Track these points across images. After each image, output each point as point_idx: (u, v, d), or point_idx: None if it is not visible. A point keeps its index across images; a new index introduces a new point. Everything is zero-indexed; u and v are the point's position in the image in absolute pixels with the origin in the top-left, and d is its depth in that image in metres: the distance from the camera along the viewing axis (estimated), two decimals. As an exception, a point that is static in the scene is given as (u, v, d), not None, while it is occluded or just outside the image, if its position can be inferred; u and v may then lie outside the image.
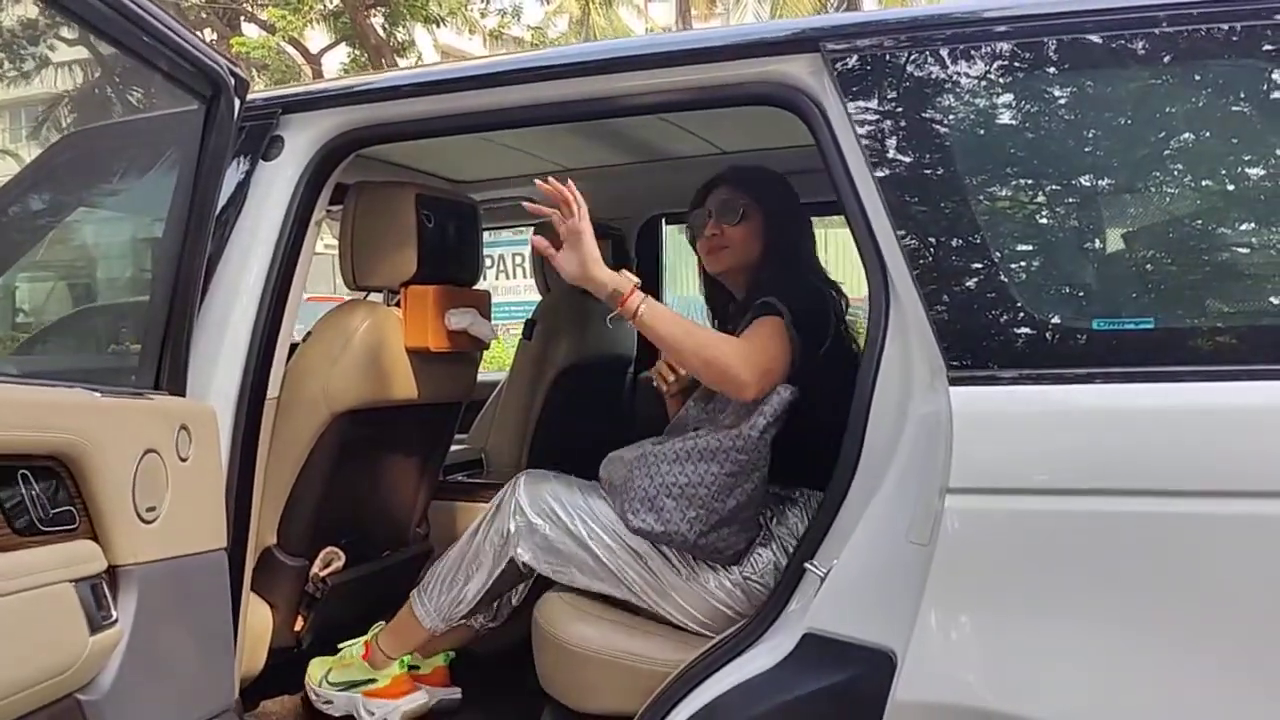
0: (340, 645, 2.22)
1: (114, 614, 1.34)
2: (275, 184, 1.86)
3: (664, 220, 3.17)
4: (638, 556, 1.88)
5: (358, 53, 15.58)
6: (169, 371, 1.59)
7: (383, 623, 2.22)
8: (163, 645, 1.42)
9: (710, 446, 1.80)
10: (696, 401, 2.04)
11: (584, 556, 1.92)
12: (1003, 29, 1.44)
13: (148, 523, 1.41)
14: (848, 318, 2.03)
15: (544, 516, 1.96)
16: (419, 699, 2.17)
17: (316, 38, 16.28)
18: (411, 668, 2.24)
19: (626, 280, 1.75)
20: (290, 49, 15.69)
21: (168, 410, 1.53)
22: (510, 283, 12.75)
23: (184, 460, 1.51)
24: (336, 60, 16.40)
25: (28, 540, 1.23)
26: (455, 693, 2.27)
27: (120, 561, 1.36)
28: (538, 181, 1.72)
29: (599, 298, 1.77)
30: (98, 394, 1.41)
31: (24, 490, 1.22)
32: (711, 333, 1.84)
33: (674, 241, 3.36)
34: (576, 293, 2.04)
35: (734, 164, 2.21)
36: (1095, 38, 1.40)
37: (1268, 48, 1.35)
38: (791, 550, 1.81)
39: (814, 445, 1.90)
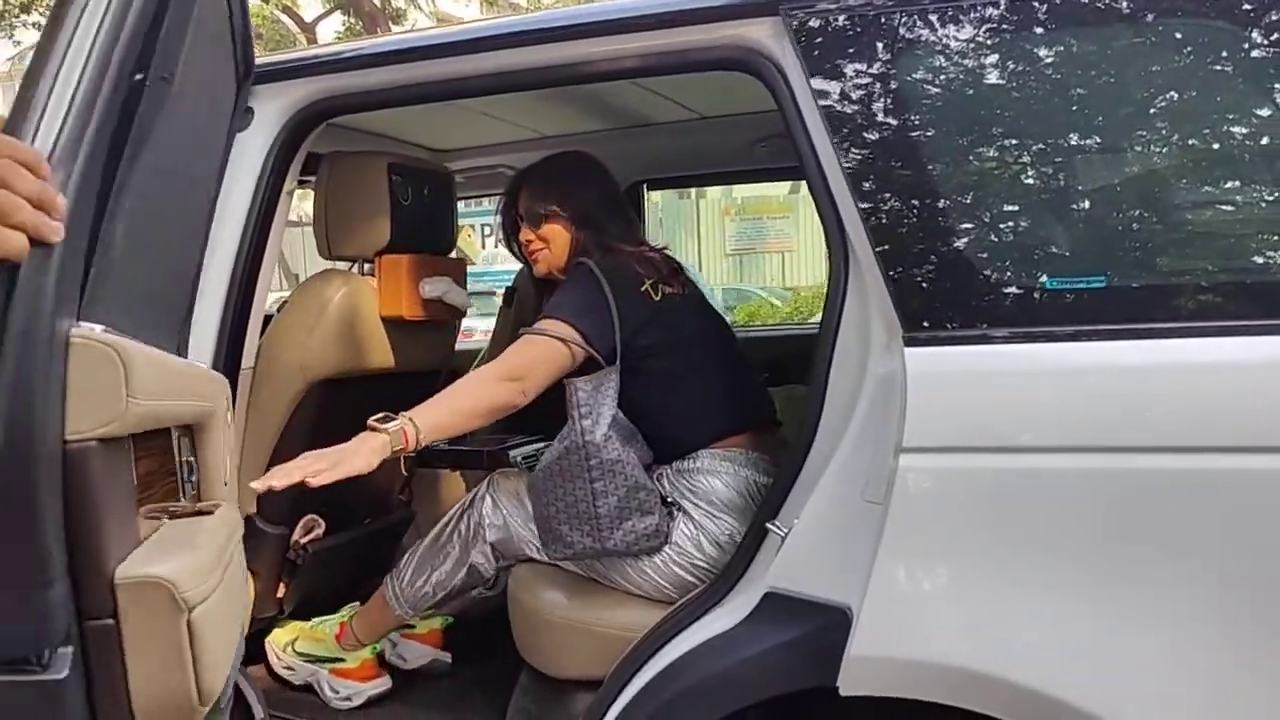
0: (315, 620, 2.26)
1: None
2: (245, 154, 1.86)
3: (645, 186, 3.17)
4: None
5: (352, 21, 15.49)
6: (183, 344, 1.64)
7: (357, 604, 2.25)
8: None
9: (563, 467, 1.85)
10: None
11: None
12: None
13: (226, 485, 1.48)
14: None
15: (517, 504, 2.02)
16: (383, 685, 2.22)
17: (311, 5, 16.18)
18: (407, 626, 2.28)
19: (388, 432, 1.79)
20: (284, 17, 15.60)
21: (223, 380, 1.61)
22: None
23: (228, 427, 1.57)
24: (331, 29, 16.31)
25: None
26: (446, 656, 2.31)
27: None
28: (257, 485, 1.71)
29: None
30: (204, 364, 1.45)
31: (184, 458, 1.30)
32: (467, 387, 1.90)
33: (667, 206, 3.36)
34: None
35: (522, 170, 2.26)
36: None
37: (1247, 7, 1.34)
38: (709, 514, 1.87)
39: (690, 406, 1.98)
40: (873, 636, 1.34)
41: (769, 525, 1.53)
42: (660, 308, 2.01)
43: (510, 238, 2.23)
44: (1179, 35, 1.39)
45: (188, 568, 1.06)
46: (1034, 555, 1.30)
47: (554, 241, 2.10)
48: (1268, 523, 1.23)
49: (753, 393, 2.14)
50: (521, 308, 2.96)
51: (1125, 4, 1.37)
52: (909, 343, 1.37)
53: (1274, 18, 1.31)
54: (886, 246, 1.42)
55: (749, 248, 14.76)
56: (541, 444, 2.75)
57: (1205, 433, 1.25)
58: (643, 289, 2.00)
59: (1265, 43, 1.33)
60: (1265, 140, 1.37)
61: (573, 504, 1.83)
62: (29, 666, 0.91)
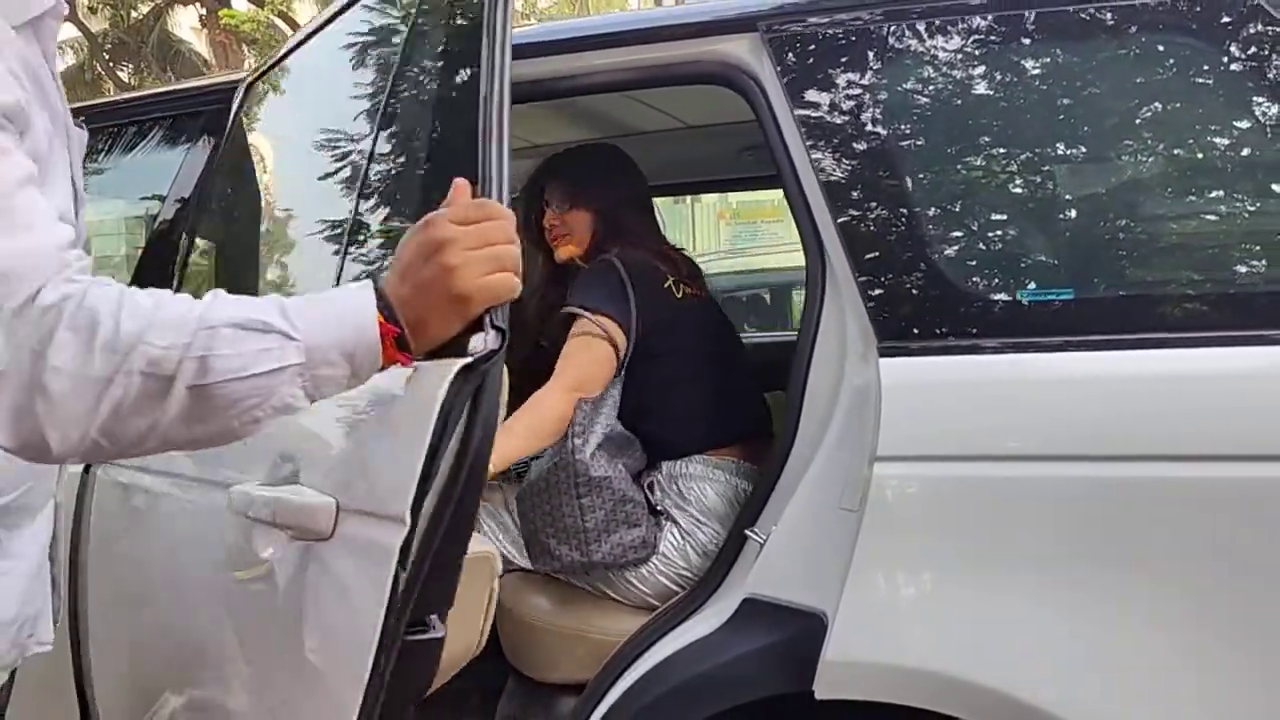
0: None
1: None
2: None
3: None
4: None
5: (348, 26, 15.44)
6: None
7: None
8: None
9: (550, 483, 1.85)
10: None
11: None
12: (940, 8, 1.46)
13: None
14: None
15: (495, 522, 2.06)
16: None
17: (306, 11, 16.17)
18: None
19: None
20: (280, 22, 15.59)
21: None
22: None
23: None
24: (327, 34, 16.26)
25: None
26: None
27: None
28: None
29: None
30: None
31: None
32: (538, 406, 1.89)
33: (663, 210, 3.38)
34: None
35: (555, 153, 2.31)
36: (1026, 13, 1.43)
37: (1224, 21, 1.37)
38: (697, 522, 1.89)
39: (689, 409, 1.99)
40: (847, 642, 1.37)
41: (748, 532, 1.55)
42: (681, 306, 2.04)
43: (533, 218, 2.23)
44: (1159, 49, 1.43)
45: (490, 546, 1.32)
46: (1007, 562, 1.33)
47: (577, 230, 2.14)
48: (1247, 530, 1.25)
49: (752, 402, 2.15)
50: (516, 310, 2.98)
51: (1107, 17, 1.40)
52: (884, 353, 1.40)
53: (1248, 33, 1.35)
54: (862, 258, 1.45)
55: (744, 251, 14.77)
56: (531, 450, 2.76)
57: (1180, 441, 1.28)
58: (665, 285, 2.03)
59: (1241, 57, 1.36)
60: (1245, 152, 1.40)
61: (559, 518, 1.84)
62: (423, 627, 1.08)
